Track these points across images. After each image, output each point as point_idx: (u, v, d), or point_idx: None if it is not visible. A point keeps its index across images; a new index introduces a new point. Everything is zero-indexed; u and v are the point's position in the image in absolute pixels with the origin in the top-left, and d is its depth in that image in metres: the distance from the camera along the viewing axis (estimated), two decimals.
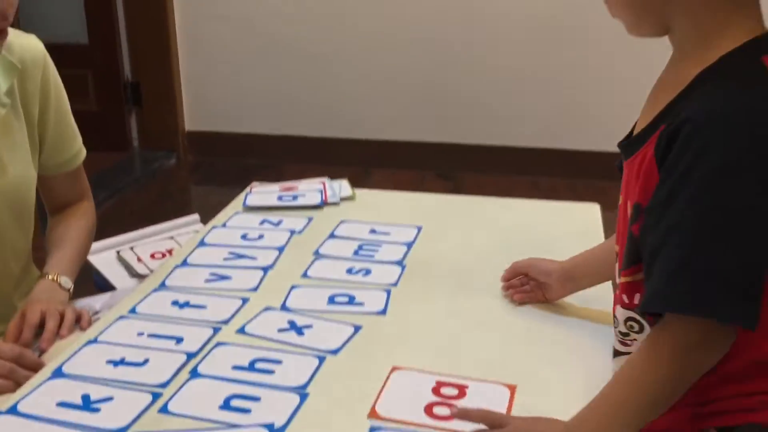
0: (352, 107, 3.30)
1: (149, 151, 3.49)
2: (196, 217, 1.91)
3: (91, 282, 1.71)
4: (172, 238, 1.79)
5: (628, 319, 0.82)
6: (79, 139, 1.31)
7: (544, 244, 1.26)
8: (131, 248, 1.73)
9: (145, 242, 1.78)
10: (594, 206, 1.42)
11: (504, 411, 0.84)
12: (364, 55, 3.23)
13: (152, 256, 1.71)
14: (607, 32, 2.87)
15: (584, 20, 2.91)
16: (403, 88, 3.24)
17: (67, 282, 1.22)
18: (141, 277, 1.62)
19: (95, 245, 1.60)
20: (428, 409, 0.85)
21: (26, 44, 1.18)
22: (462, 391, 0.88)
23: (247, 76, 3.34)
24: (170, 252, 1.72)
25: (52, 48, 4.02)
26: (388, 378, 0.91)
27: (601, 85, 3.05)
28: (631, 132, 0.83)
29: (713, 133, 0.68)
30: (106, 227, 2.88)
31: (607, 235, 1.34)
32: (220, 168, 3.41)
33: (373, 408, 0.85)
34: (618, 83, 3.00)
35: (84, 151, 1.33)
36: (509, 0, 3.04)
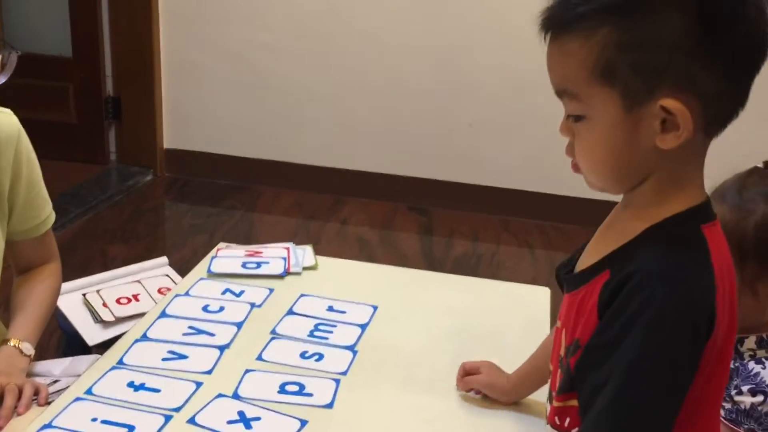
0: (329, 137, 3.34)
1: (126, 166, 3.50)
2: (164, 260, 1.94)
3: (53, 320, 1.75)
4: (139, 282, 1.83)
5: None
6: (49, 206, 1.35)
7: (494, 331, 1.32)
8: (97, 291, 1.76)
9: (112, 285, 1.81)
10: (544, 290, 1.48)
11: None
12: (343, 89, 3.27)
13: (118, 300, 1.74)
14: None
15: None
16: (381, 122, 3.28)
17: (29, 348, 1.25)
18: (105, 323, 1.66)
19: (62, 286, 1.63)
20: None
21: (2, 121, 1.21)
22: None
23: (227, 99, 3.37)
24: (136, 297, 1.76)
25: (35, 59, 4.03)
26: None
27: None
28: (573, 260, 0.88)
29: (652, 291, 0.74)
30: (78, 244, 2.93)
31: (552, 322, 1.40)
32: (196, 187, 3.44)
33: None
34: None
35: (53, 217, 1.36)
36: (489, 49, 3.09)
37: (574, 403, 0.82)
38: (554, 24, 0.76)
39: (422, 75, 3.19)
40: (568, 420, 0.85)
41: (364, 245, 2.98)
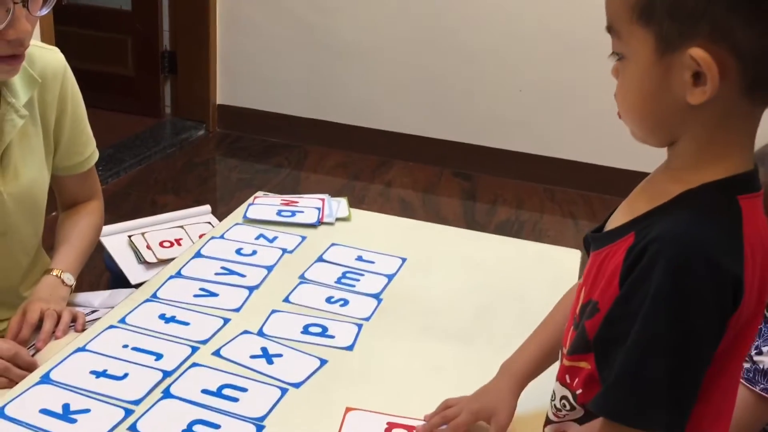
0: (379, 99, 3.35)
1: (180, 120, 3.58)
2: (207, 208, 1.99)
3: (100, 260, 1.82)
4: (182, 227, 1.89)
5: (563, 397, 0.88)
6: (93, 144, 1.40)
7: (517, 287, 1.33)
8: (142, 234, 1.83)
9: (156, 229, 1.87)
10: (575, 252, 1.48)
11: None
12: (395, 51, 3.27)
13: (161, 244, 1.80)
14: None
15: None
16: (430, 86, 3.28)
17: (70, 279, 1.32)
18: (148, 264, 1.72)
19: (109, 227, 1.70)
20: None
21: (48, 58, 1.26)
22: None
23: (280, 58, 3.41)
24: (178, 242, 1.82)
25: (97, 11, 4.12)
26: (343, 420, 0.99)
27: None
28: (604, 222, 0.88)
29: (672, 260, 0.72)
30: (131, 192, 3.03)
31: None
32: (246, 143, 3.50)
33: None
34: None
35: (96, 155, 1.42)
36: (541, 14, 3.05)
37: (584, 365, 0.82)
38: None
39: (474, 39, 3.17)
40: (576, 380, 0.85)
41: (406, 207, 3.00)
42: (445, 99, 3.28)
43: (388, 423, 1.00)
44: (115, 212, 2.69)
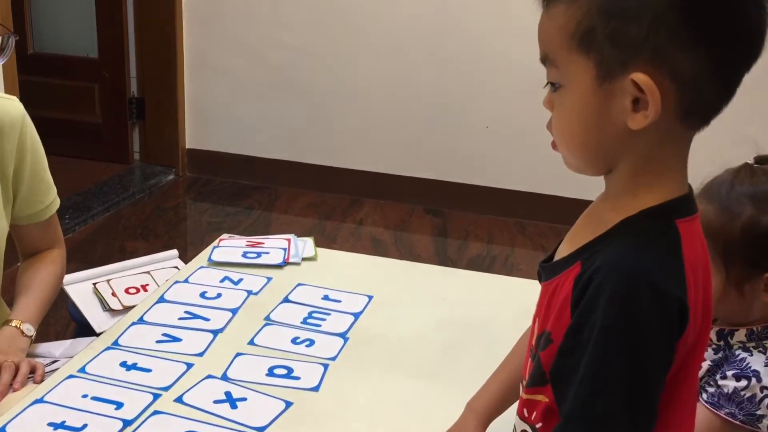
0: (349, 138, 3.37)
1: (149, 165, 3.57)
2: (174, 252, 1.97)
3: (65, 309, 1.79)
4: (148, 273, 1.86)
5: (523, 431, 0.87)
6: (53, 191, 1.38)
7: (485, 322, 1.33)
8: (108, 281, 1.80)
9: (122, 275, 1.84)
10: (538, 284, 1.48)
11: None
12: (363, 90, 3.30)
13: (126, 290, 1.78)
14: None
15: None
16: (399, 124, 3.31)
17: (30, 329, 1.29)
18: (113, 311, 1.70)
19: (73, 275, 1.68)
20: None
21: (6, 107, 1.26)
22: None
23: (248, 100, 3.42)
24: (144, 288, 1.79)
25: (63, 60, 4.12)
26: None
27: None
28: (553, 253, 0.88)
29: (617, 289, 0.72)
30: (99, 239, 2.99)
31: None
32: (216, 186, 3.49)
33: None
34: None
35: (57, 203, 1.40)
36: (506, 50, 3.09)
37: (542, 398, 0.81)
38: None
39: (440, 77, 3.20)
40: (534, 414, 0.84)
41: (378, 245, 3.00)
42: (415, 137, 3.30)
43: None
44: (83, 260, 2.65)
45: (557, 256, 0.85)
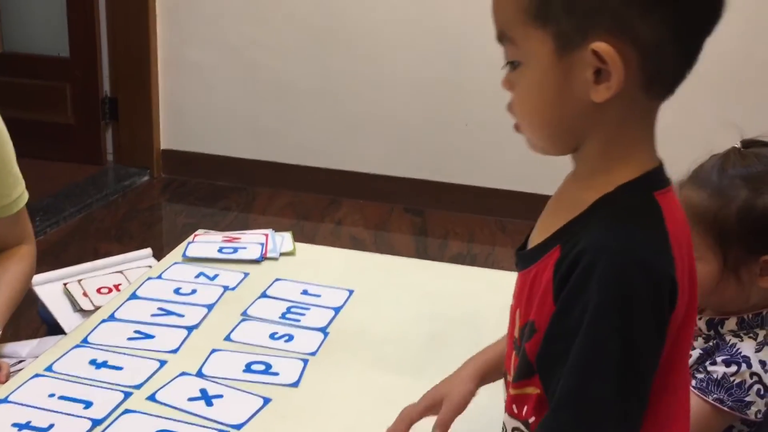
0: (326, 138, 3.32)
1: (123, 167, 3.50)
2: (148, 251, 1.92)
3: (35, 311, 1.73)
4: (121, 272, 1.81)
5: (515, 429, 0.84)
6: (21, 185, 1.33)
7: (470, 315, 1.29)
8: (79, 281, 1.74)
9: (94, 275, 1.79)
10: None
11: None
12: (341, 89, 3.26)
13: (98, 290, 1.72)
14: None
15: None
16: (378, 123, 3.27)
17: None
18: (84, 312, 1.64)
19: (43, 275, 1.62)
20: None
21: None
22: None
23: (224, 99, 3.37)
24: (117, 287, 1.74)
25: (34, 60, 4.06)
26: None
27: None
28: (526, 241, 0.85)
29: (605, 270, 0.70)
30: (71, 241, 2.92)
31: None
32: (191, 188, 3.43)
33: None
34: None
35: (26, 196, 1.35)
36: (485, 47, 3.07)
37: (532, 390, 0.78)
38: None
39: (419, 74, 3.17)
40: (525, 408, 0.80)
41: (357, 244, 2.95)
42: (394, 135, 3.26)
43: None
44: (55, 262, 2.57)
45: (531, 243, 0.81)
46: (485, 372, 0.97)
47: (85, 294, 1.69)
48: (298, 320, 1.26)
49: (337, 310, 1.30)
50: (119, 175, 3.46)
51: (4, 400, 1.02)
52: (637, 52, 0.68)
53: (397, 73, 3.19)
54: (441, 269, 1.53)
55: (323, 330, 1.24)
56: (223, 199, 3.33)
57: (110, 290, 1.72)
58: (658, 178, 0.76)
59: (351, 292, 1.36)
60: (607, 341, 0.70)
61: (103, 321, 1.23)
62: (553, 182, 2.98)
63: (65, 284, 1.71)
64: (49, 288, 1.70)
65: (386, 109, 3.24)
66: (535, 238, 0.81)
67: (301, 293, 1.35)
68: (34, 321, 2.17)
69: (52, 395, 1.03)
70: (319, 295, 1.34)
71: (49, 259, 2.66)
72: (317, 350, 1.18)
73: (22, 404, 1.01)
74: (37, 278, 1.55)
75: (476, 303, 1.35)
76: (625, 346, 0.70)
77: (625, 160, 0.74)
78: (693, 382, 1.04)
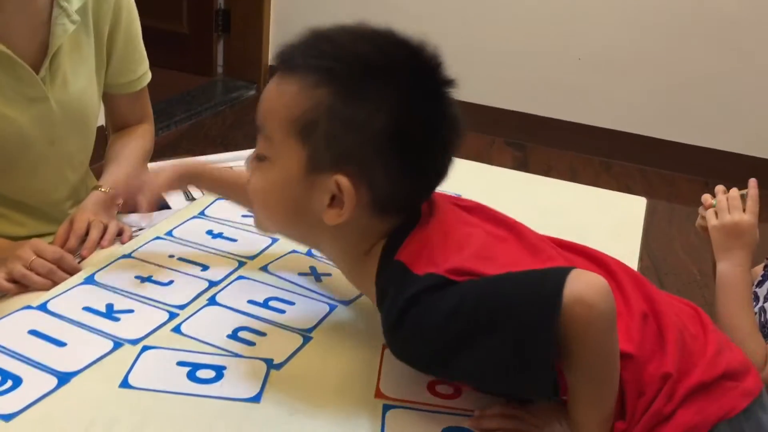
0: None
1: (231, 79, 3.57)
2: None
3: None
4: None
5: None
6: (146, 64, 1.37)
7: (579, 229, 1.26)
8: None
9: None
10: (640, 200, 1.41)
11: None
12: (454, 16, 3.20)
13: None
14: (712, 30, 2.77)
15: (683, 10, 2.81)
16: (487, 53, 3.21)
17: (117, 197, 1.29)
18: (195, 201, 1.70)
19: (160, 163, 1.67)
20: (431, 387, 0.86)
21: None
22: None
23: (337, 20, 3.35)
24: None
25: None
26: (382, 354, 0.92)
27: (694, 80, 2.95)
28: None
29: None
30: (180, 144, 3.02)
31: (646, 233, 1.33)
32: None
33: (377, 389, 0.85)
34: (716, 80, 2.90)
35: (149, 76, 1.39)
36: None
37: None
38: (287, 64, 0.81)
39: (534, 4, 3.08)
40: None
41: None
42: (500, 66, 3.20)
43: None
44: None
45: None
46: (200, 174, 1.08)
47: None
48: None
49: None
50: (227, 87, 3.54)
51: (128, 255, 1.07)
52: (372, 192, 0.78)
53: (511, 2, 3.11)
54: (547, 184, 1.51)
55: None
56: None
57: None
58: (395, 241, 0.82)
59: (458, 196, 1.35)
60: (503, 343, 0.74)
61: (218, 198, 1.27)
62: (663, 126, 2.89)
63: None
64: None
65: (493, 39, 3.17)
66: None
67: None
68: None
69: (171, 256, 1.08)
70: None
71: (160, 159, 2.76)
72: None
73: (144, 261, 1.06)
74: (151, 166, 1.61)
75: (585, 219, 1.32)
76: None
77: (368, 251, 0.82)
78: None
